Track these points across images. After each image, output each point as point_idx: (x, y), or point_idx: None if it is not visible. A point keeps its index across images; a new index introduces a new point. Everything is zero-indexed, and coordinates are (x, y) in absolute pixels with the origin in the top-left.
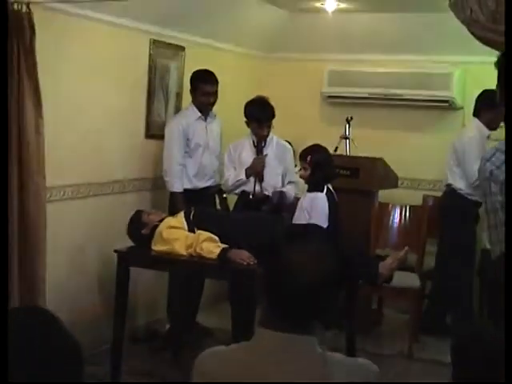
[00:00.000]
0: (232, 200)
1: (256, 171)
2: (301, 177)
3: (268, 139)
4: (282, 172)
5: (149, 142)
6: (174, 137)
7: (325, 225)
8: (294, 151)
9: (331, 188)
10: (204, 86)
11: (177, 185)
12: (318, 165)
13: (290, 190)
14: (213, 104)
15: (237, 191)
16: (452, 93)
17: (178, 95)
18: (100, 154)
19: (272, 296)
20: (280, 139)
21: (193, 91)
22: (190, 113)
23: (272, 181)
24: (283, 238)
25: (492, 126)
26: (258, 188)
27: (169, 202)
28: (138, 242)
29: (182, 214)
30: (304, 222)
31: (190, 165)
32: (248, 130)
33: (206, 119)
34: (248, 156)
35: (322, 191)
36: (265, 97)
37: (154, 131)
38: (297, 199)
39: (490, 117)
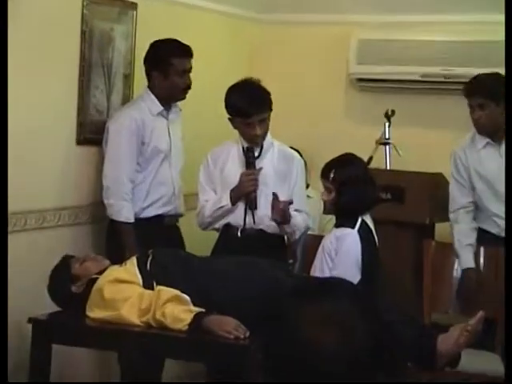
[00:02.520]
0: (209, 238)
1: (245, 193)
2: (324, 204)
3: (265, 145)
4: (286, 195)
5: (82, 150)
6: (124, 139)
7: (355, 279)
8: (305, 164)
9: (369, 222)
10: (179, 61)
11: (125, 211)
12: (348, 185)
13: (299, 220)
14: (188, 89)
15: (217, 225)
16: None
17: (127, 78)
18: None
19: None
20: (283, 146)
21: (155, 71)
22: (148, 105)
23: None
24: (291, 298)
25: None
26: (249, 220)
27: (110, 240)
28: (66, 304)
29: (133, 260)
30: (326, 275)
31: (143, 181)
32: (235, 133)
33: (167, 115)
34: (235, 170)
35: (353, 226)
36: (255, 79)
37: (90, 134)
38: (314, 238)
39: None
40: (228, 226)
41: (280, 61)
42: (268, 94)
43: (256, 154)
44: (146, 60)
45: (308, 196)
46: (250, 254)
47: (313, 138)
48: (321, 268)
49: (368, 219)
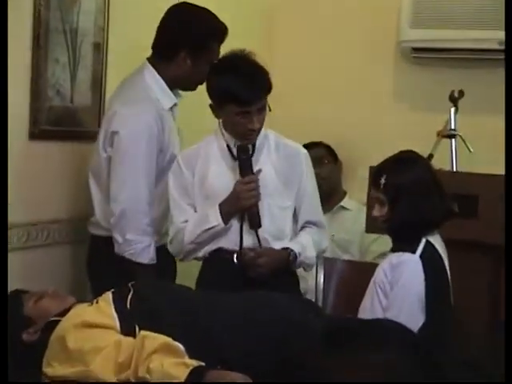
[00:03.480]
0: (190, 267)
1: (244, 208)
2: (374, 219)
3: (260, 138)
4: (291, 204)
5: (37, 146)
6: (142, 149)
7: (417, 322)
8: (340, 165)
9: (438, 244)
10: (216, 46)
11: (151, 250)
12: (406, 194)
13: (307, 245)
14: None
15: (201, 253)
16: None
17: (98, 49)
18: None
19: None
20: (281, 137)
21: (184, 51)
22: (159, 96)
23: (275, 224)
24: (321, 347)
25: None
26: (250, 241)
27: (108, 275)
28: (14, 358)
29: (108, 296)
30: (378, 316)
31: (160, 202)
32: (213, 124)
33: (173, 108)
34: (221, 176)
35: (414, 250)
36: (247, 52)
37: (48, 125)
38: (353, 265)
39: None
40: (218, 251)
41: (305, 28)
42: (266, 72)
43: (249, 152)
44: (167, 31)
45: (343, 207)
46: (252, 287)
47: (350, 131)
48: (372, 308)
49: (436, 240)
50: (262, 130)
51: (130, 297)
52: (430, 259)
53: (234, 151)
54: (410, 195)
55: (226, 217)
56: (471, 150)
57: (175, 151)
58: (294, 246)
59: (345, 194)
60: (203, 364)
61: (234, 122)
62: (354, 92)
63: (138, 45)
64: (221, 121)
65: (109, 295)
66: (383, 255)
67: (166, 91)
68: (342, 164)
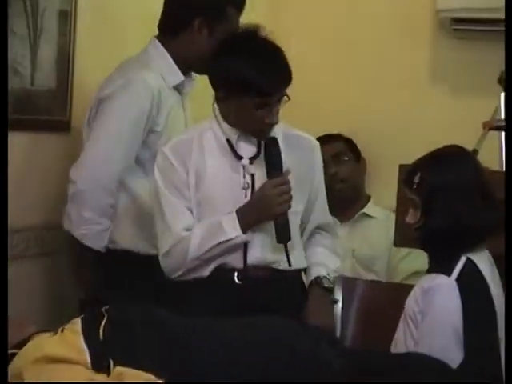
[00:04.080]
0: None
1: (275, 215)
2: (408, 226)
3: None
4: (303, 208)
5: None
6: (128, 118)
7: (454, 359)
8: (364, 163)
9: (483, 262)
10: (235, 14)
11: (103, 235)
12: (442, 198)
13: (325, 258)
14: None
15: (207, 271)
16: None
17: (65, 18)
18: None
19: None
20: (290, 128)
21: (200, 18)
22: (162, 70)
23: (297, 228)
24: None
25: None
26: (256, 256)
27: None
28: None
29: (76, 324)
30: (409, 349)
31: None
32: (206, 111)
33: (183, 89)
34: (221, 177)
35: (449, 271)
36: (262, 29)
37: (16, 110)
38: (378, 287)
39: None
40: (221, 269)
41: None
42: (285, 57)
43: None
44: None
45: (367, 215)
46: (257, 313)
47: (376, 121)
48: (405, 342)
49: (481, 258)
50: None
51: (103, 324)
52: (469, 283)
53: (239, 147)
54: (448, 199)
55: (245, 227)
56: None
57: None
58: (321, 271)
59: (369, 198)
60: None
61: (249, 115)
62: (382, 73)
63: (114, 13)
64: (217, 108)
65: (77, 323)
66: (416, 275)
67: (172, 67)
68: (365, 162)
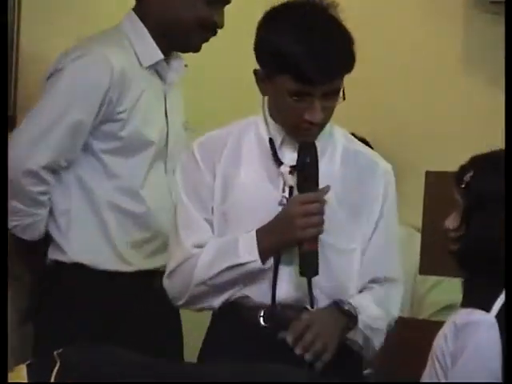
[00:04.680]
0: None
1: (297, 240)
2: (445, 231)
3: (323, 137)
4: (357, 247)
5: None
6: (72, 97)
7: None
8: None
9: None
10: None
11: (39, 225)
12: (490, 205)
13: (368, 304)
14: (214, 33)
15: (216, 301)
16: None
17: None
18: None
19: None
20: (354, 141)
21: None
22: (135, 45)
23: (332, 276)
24: None
25: None
26: (288, 294)
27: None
28: None
29: (21, 372)
30: None
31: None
32: (253, 106)
33: (166, 72)
34: (257, 186)
35: (488, 305)
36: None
37: None
38: (404, 323)
39: None
40: (239, 303)
41: None
42: (351, 40)
43: (307, 157)
44: None
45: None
46: (286, 361)
47: (398, 117)
48: None
49: None
50: (328, 127)
51: (55, 372)
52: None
53: (283, 152)
54: (496, 211)
55: (265, 251)
56: None
57: (149, 132)
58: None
59: None
60: None
61: (285, 103)
62: (405, 58)
63: None
64: (266, 100)
65: (22, 371)
66: (448, 309)
67: (148, 43)
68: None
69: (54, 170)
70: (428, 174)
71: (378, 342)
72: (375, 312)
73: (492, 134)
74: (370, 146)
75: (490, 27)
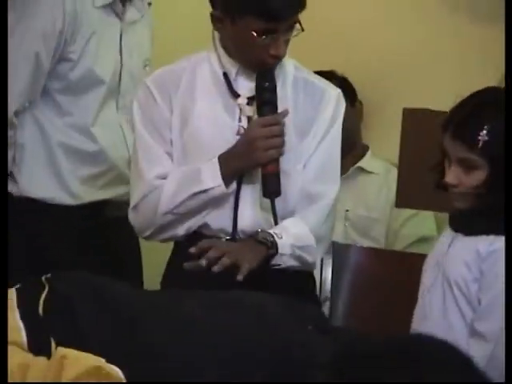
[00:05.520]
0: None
1: (259, 162)
2: (450, 188)
3: (277, 70)
4: (303, 161)
5: None
6: (23, 40)
7: None
8: (359, 105)
9: None
10: None
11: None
12: None
13: (298, 233)
14: None
15: (181, 229)
16: None
17: None
18: None
19: None
20: (301, 68)
21: None
22: None
23: (286, 197)
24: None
25: None
26: (249, 219)
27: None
28: None
29: (11, 295)
30: (456, 332)
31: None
32: (204, 41)
33: (124, 12)
34: (213, 118)
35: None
36: None
37: None
38: (376, 253)
39: None
40: (200, 231)
41: None
42: None
43: (265, 83)
44: None
45: (363, 169)
46: (244, 287)
47: (375, 53)
48: (445, 318)
49: None
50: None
51: (43, 297)
52: None
53: (237, 84)
54: None
55: (228, 176)
56: None
57: (101, 70)
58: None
59: (366, 149)
60: None
61: (250, 42)
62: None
63: None
64: (217, 35)
65: (12, 295)
66: (422, 242)
67: None
68: (362, 105)
69: (18, 112)
70: (405, 110)
71: (311, 257)
72: (301, 231)
73: (472, 71)
74: (349, 84)
75: None
